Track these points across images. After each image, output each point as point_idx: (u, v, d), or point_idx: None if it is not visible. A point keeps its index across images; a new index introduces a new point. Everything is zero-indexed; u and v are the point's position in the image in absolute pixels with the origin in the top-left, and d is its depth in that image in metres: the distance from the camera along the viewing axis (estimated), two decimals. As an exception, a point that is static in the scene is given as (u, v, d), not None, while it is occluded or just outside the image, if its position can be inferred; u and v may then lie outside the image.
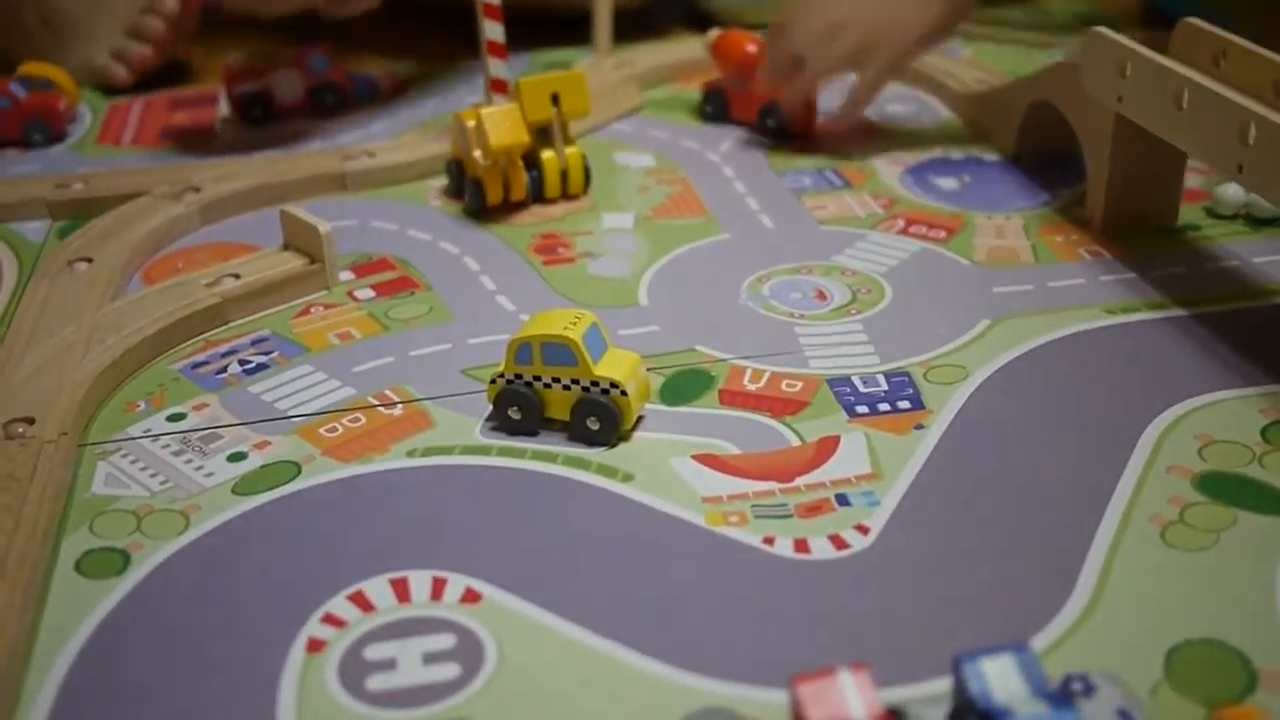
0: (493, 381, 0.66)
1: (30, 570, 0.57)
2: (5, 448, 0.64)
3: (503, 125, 0.89)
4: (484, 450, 0.65)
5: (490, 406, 0.67)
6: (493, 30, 0.96)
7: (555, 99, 0.91)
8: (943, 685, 0.49)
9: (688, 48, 1.22)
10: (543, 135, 0.92)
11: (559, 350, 0.64)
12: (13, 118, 1.08)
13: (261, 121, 1.12)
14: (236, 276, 0.81)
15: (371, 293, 0.81)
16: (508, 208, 0.92)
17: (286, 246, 0.84)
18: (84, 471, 0.65)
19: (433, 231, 0.90)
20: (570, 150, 0.93)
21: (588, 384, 0.64)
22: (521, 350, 0.65)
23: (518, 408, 0.66)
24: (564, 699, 0.50)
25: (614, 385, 0.64)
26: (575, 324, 0.65)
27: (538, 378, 0.65)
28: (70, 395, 0.69)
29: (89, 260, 0.84)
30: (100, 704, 0.51)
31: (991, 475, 0.62)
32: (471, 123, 0.90)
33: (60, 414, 0.67)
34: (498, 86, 0.97)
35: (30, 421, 0.66)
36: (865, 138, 1.04)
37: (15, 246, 0.89)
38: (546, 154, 0.92)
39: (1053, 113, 0.92)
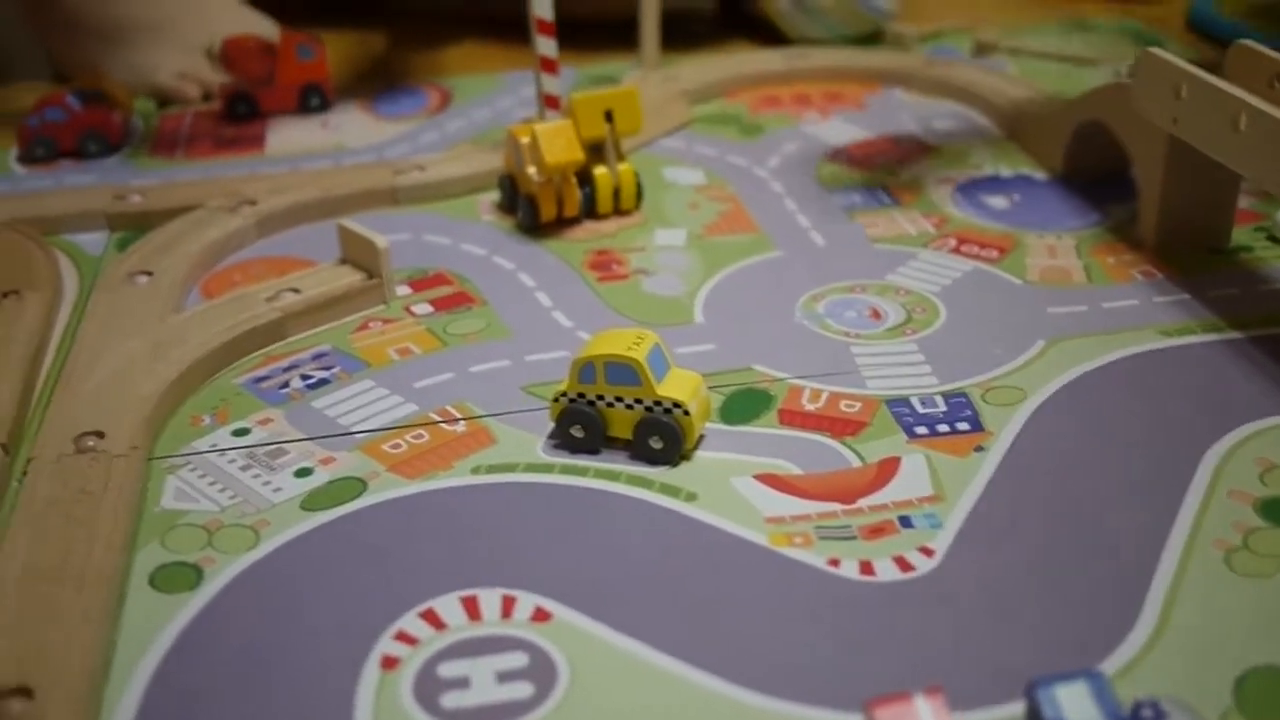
0: (556, 400, 0.67)
1: (107, 584, 0.57)
2: (77, 461, 0.65)
3: (557, 142, 0.89)
4: (547, 468, 0.66)
5: (552, 424, 0.68)
6: (545, 46, 0.97)
7: (609, 115, 0.92)
8: (1010, 710, 0.50)
9: (736, 62, 1.22)
10: (595, 151, 0.93)
11: (623, 370, 0.65)
12: (69, 129, 1.09)
13: (247, 119, 1.14)
14: (296, 291, 0.82)
15: (429, 308, 0.82)
16: (560, 223, 0.93)
17: (344, 261, 0.85)
18: (153, 485, 0.66)
19: (486, 246, 0.91)
20: (623, 167, 0.93)
21: (651, 404, 0.65)
22: (585, 369, 0.66)
23: (580, 426, 0.66)
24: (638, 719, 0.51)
25: (677, 405, 0.65)
26: (638, 344, 0.66)
27: (600, 397, 0.66)
28: (138, 409, 0.70)
29: (149, 273, 0.85)
30: (180, 716, 0.51)
31: (1053, 498, 0.62)
32: (526, 139, 0.90)
33: (129, 428, 0.68)
34: (550, 102, 0.98)
35: (100, 435, 0.67)
36: (915, 154, 1.04)
37: (76, 258, 0.90)
38: (599, 170, 0.93)
39: (1102, 132, 0.92)
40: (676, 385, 0.66)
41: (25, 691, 0.51)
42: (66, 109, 1.09)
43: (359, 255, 0.84)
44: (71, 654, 0.53)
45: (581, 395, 0.66)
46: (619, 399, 0.66)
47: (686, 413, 0.65)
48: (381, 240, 0.82)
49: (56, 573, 0.58)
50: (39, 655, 0.53)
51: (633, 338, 0.66)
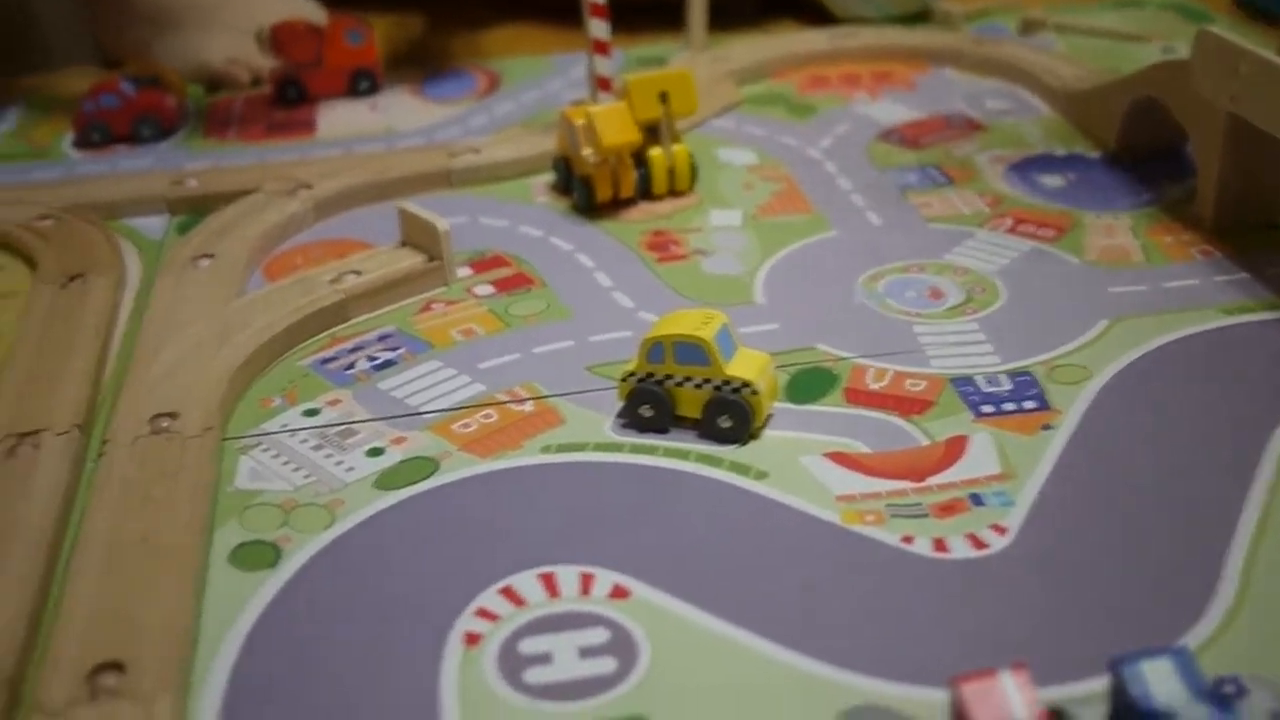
0: (624, 379, 0.68)
1: (190, 561, 0.58)
2: (153, 442, 0.66)
3: (613, 124, 0.90)
4: (616, 447, 0.66)
5: (621, 404, 0.68)
6: (598, 28, 0.97)
7: (663, 97, 0.92)
8: (1091, 685, 0.50)
9: (782, 42, 1.22)
10: (650, 133, 0.93)
11: (692, 350, 0.66)
12: (123, 114, 1.10)
13: (297, 103, 1.15)
14: (358, 273, 0.82)
15: (490, 289, 0.83)
16: (615, 205, 0.93)
17: (404, 243, 0.86)
18: (227, 465, 0.66)
19: (543, 228, 0.91)
20: (677, 148, 0.94)
21: (720, 383, 0.66)
22: (654, 349, 0.66)
23: (649, 406, 0.67)
24: (722, 694, 0.51)
25: (746, 385, 0.65)
26: (707, 324, 0.66)
27: (669, 376, 0.66)
28: (209, 391, 0.70)
29: (211, 256, 0.86)
30: (268, 691, 0.52)
31: (1124, 476, 0.63)
32: (581, 121, 0.91)
33: (202, 409, 0.69)
34: (602, 84, 0.99)
35: (174, 416, 0.68)
36: (966, 133, 1.04)
37: (137, 242, 0.91)
38: (654, 152, 0.93)
39: (1156, 109, 0.92)
40: (745, 364, 0.66)
41: (117, 666, 0.52)
42: (121, 94, 1.10)
43: (419, 238, 0.85)
44: (160, 629, 0.54)
45: (650, 375, 0.67)
46: (688, 379, 0.66)
47: (755, 392, 0.65)
48: (443, 223, 0.83)
49: (140, 550, 0.59)
50: (129, 630, 0.54)
51: (701, 318, 0.67)
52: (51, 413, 0.69)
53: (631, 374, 0.67)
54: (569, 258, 0.86)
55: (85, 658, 0.53)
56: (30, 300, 0.83)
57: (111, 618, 0.55)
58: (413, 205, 0.85)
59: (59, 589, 0.58)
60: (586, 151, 0.91)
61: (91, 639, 0.54)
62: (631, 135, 0.90)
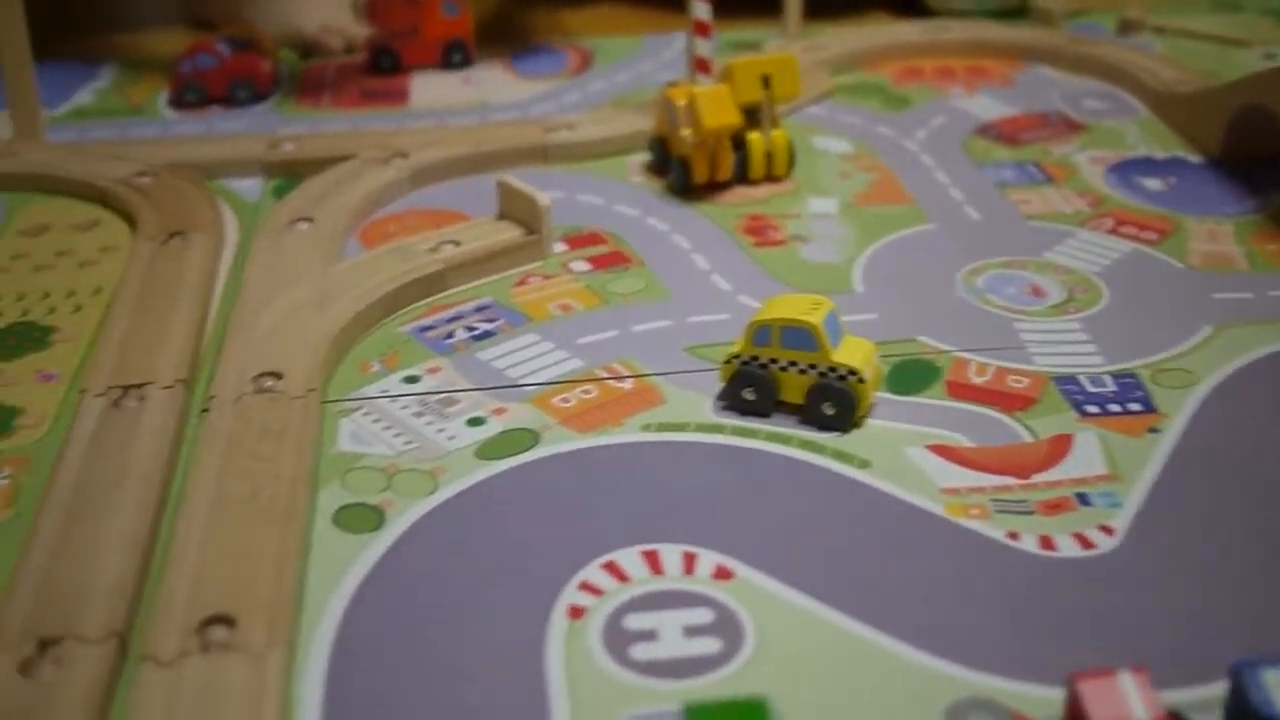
0: (728, 362, 0.67)
1: (296, 520, 0.59)
2: (257, 401, 0.66)
3: (715, 105, 0.89)
4: (717, 429, 0.66)
5: (722, 386, 0.68)
6: (701, 10, 0.97)
7: (766, 81, 0.92)
8: (1207, 691, 0.50)
9: (877, 33, 1.21)
10: (750, 117, 0.93)
11: (799, 334, 0.65)
12: (220, 76, 1.11)
13: (392, 71, 1.15)
14: (456, 243, 0.82)
15: (587, 265, 0.83)
16: (711, 187, 0.93)
17: (502, 216, 0.86)
18: (327, 427, 0.67)
19: (638, 207, 0.91)
20: (776, 133, 0.93)
21: (825, 369, 0.65)
22: (760, 332, 0.66)
23: (752, 389, 0.67)
24: (830, 680, 0.51)
25: (852, 372, 0.65)
26: (815, 310, 0.66)
27: (774, 360, 0.66)
28: (311, 353, 0.71)
29: (309, 220, 0.86)
30: (373, 652, 0.52)
31: (1235, 481, 0.62)
32: (682, 101, 0.90)
33: (305, 370, 0.69)
34: (701, 66, 0.98)
35: (277, 376, 0.68)
36: (1064, 132, 1.03)
37: (233, 203, 0.92)
38: (753, 135, 0.93)
39: (1263, 116, 0.91)
40: (851, 352, 0.66)
41: (226, 619, 0.52)
42: (218, 56, 1.11)
43: (518, 211, 0.85)
44: (268, 585, 0.54)
45: (755, 358, 0.66)
46: (793, 363, 0.66)
47: (861, 380, 0.65)
48: (543, 197, 0.83)
49: (247, 507, 0.59)
50: (237, 585, 0.54)
51: (810, 303, 0.66)
52: (155, 367, 0.70)
53: (735, 356, 0.67)
54: (665, 238, 0.86)
55: (194, 611, 0.53)
56: (131, 255, 0.83)
57: (219, 572, 0.55)
58: (512, 178, 0.85)
59: (165, 541, 0.58)
60: (685, 132, 0.90)
61: (200, 592, 0.54)
62: (732, 118, 0.90)
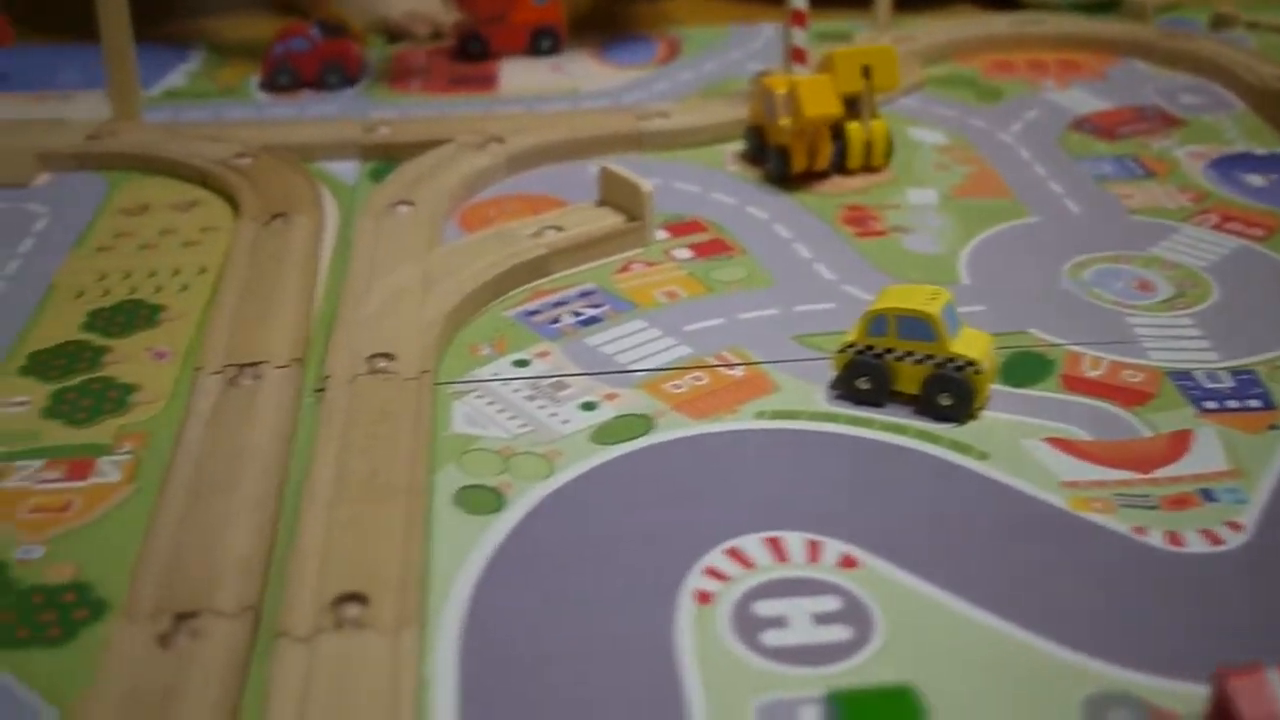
0: (842, 350, 0.67)
1: (418, 500, 0.59)
2: (372, 382, 0.67)
3: (816, 95, 0.89)
4: (831, 418, 0.66)
5: (834, 375, 0.68)
6: (797, 0, 0.96)
7: (865, 71, 0.91)
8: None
9: (966, 25, 1.21)
10: (848, 106, 0.92)
11: (917, 324, 0.65)
12: (311, 59, 1.11)
13: (480, 58, 1.15)
14: (558, 229, 0.82)
15: (689, 253, 0.83)
16: (808, 177, 0.92)
17: (602, 202, 0.86)
18: (440, 409, 0.67)
19: (736, 196, 0.91)
20: (875, 123, 0.93)
21: (943, 360, 0.65)
22: (877, 322, 0.66)
23: (867, 378, 0.66)
24: (965, 670, 0.50)
25: (970, 363, 0.64)
26: (934, 300, 0.65)
27: (890, 350, 0.66)
28: (421, 335, 0.71)
29: (410, 203, 0.86)
30: (503, 634, 0.52)
31: (1362, 481, 0.61)
32: (782, 90, 0.90)
33: (416, 352, 0.69)
34: (797, 55, 0.98)
35: (390, 357, 0.69)
36: (1161, 126, 1.02)
37: (330, 185, 0.92)
38: (852, 125, 0.92)
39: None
40: (969, 343, 0.65)
41: (358, 597, 0.52)
42: (310, 39, 1.11)
43: (619, 197, 0.84)
44: (395, 563, 0.55)
45: (870, 348, 0.66)
46: (909, 353, 0.65)
47: (979, 371, 0.64)
48: (646, 184, 0.83)
49: (368, 486, 0.59)
50: (365, 564, 0.54)
51: (928, 293, 0.66)
52: (268, 346, 0.70)
53: (849, 345, 0.67)
54: (765, 227, 0.86)
55: (326, 588, 0.53)
56: (235, 236, 0.84)
57: (347, 551, 0.55)
58: (614, 165, 0.85)
59: (289, 519, 0.58)
60: (785, 121, 0.90)
61: (330, 570, 0.54)
62: (833, 107, 0.89)
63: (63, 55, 1.20)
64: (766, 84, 0.92)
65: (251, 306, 0.75)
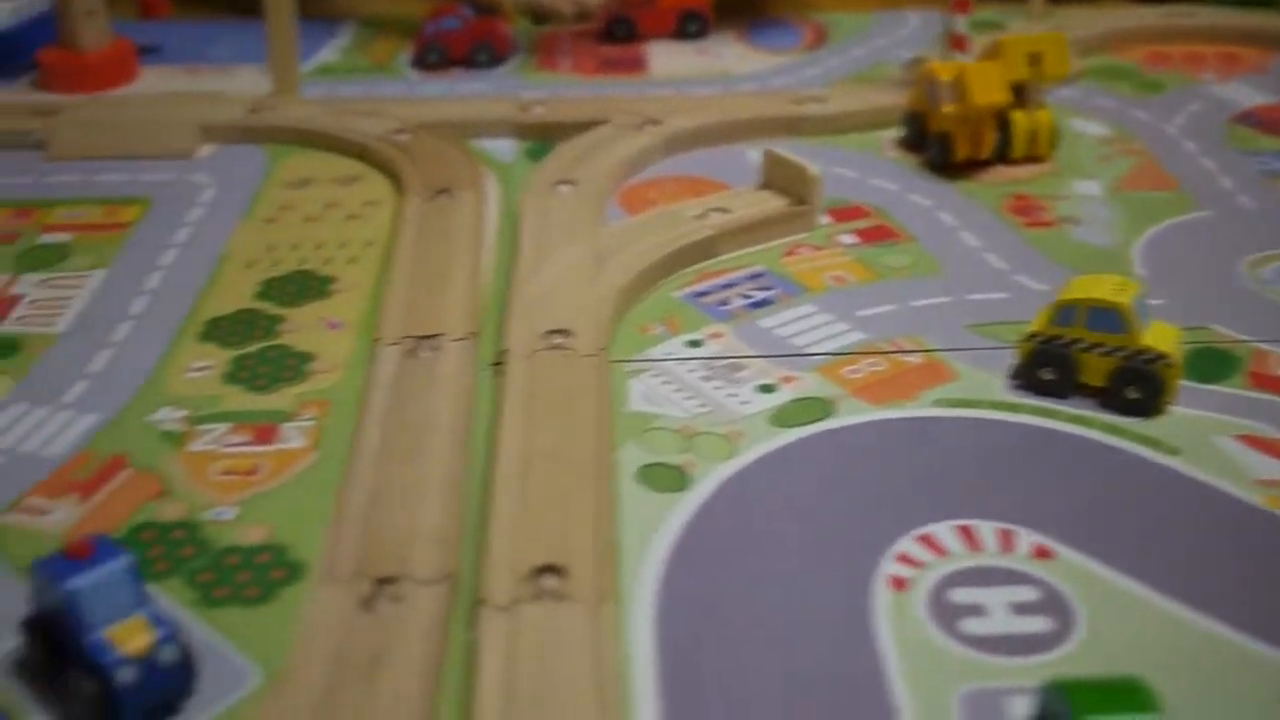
0: (1026, 340, 0.66)
1: (605, 476, 0.59)
2: (550, 357, 0.67)
3: (984, 82, 0.88)
4: (1013, 407, 0.65)
5: (1016, 365, 0.67)
6: (962, -15, 0.95)
7: (1034, 59, 0.90)
8: None
9: (1118, 16, 1.19)
10: (1014, 94, 0.91)
11: (1107, 316, 0.64)
12: (462, 37, 1.12)
13: (627, 40, 1.15)
14: (723, 211, 0.82)
15: (854, 238, 0.82)
16: (969, 165, 0.91)
17: (766, 185, 0.85)
18: (617, 387, 0.67)
19: (897, 183, 0.90)
20: (1041, 112, 0.91)
21: (1132, 353, 0.64)
22: (1065, 312, 0.65)
23: (1052, 369, 0.65)
24: (1174, 665, 0.49)
25: (1161, 356, 0.63)
26: (1124, 291, 0.64)
27: (1077, 341, 0.65)
28: (594, 312, 0.71)
29: (572, 183, 0.86)
30: (697, 611, 0.52)
31: None
32: (947, 77, 0.89)
33: (592, 330, 0.69)
34: (958, 42, 0.97)
35: (566, 334, 0.69)
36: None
37: (488, 163, 0.92)
38: (1017, 114, 0.91)
39: None
40: (1159, 336, 0.64)
41: (555, 569, 0.53)
42: (461, 18, 1.12)
43: (784, 181, 0.84)
44: (588, 537, 0.55)
45: (1056, 338, 0.65)
46: (1097, 345, 0.64)
47: (1170, 365, 0.63)
48: (813, 168, 0.82)
49: (554, 461, 0.59)
50: (558, 537, 0.55)
51: (1117, 283, 0.65)
52: (443, 319, 0.71)
53: (1033, 335, 0.66)
54: (929, 214, 0.85)
55: (522, 559, 0.53)
56: (400, 210, 0.84)
57: (540, 522, 0.55)
58: (781, 149, 0.85)
59: (476, 489, 0.58)
60: (949, 108, 0.89)
61: (524, 541, 0.54)
62: (1001, 95, 0.88)
63: (215, 30, 1.22)
64: (929, 70, 0.91)
65: (423, 280, 0.75)
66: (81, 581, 0.47)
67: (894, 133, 0.97)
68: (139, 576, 0.48)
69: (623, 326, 0.73)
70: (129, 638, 0.47)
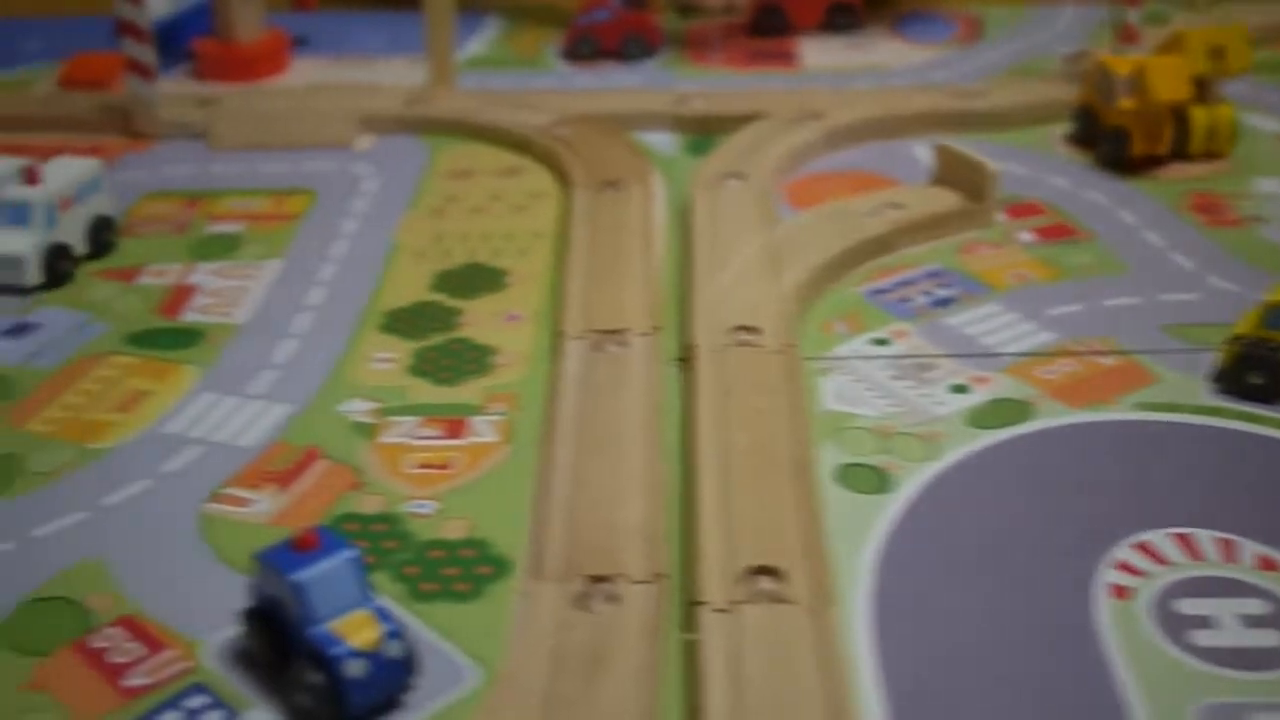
0: (1231, 342, 0.64)
1: (808, 476, 0.58)
2: (740, 353, 0.66)
3: (1167, 76, 0.85)
4: (1218, 412, 0.63)
5: (1220, 368, 0.65)
6: (1135, -23, 0.93)
7: (1216, 53, 0.87)
8: None
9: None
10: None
11: (1323, 319, 0.62)
12: (614, 30, 1.11)
13: (777, 33, 1.13)
14: (897, 207, 0.81)
15: (1032, 236, 0.80)
16: (1144, 161, 0.89)
17: (938, 181, 0.84)
18: (808, 384, 0.66)
19: (1069, 179, 0.88)
20: (1222, 108, 0.89)
21: (1349, 357, 0.61)
22: (1275, 313, 0.63)
23: (1260, 373, 0.63)
24: None
25: (1379, 362, 0.61)
26: (1341, 293, 0.62)
27: (1287, 344, 0.63)
28: (777, 308, 0.70)
29: (740, 177, 0.85)
30: (913, 616, 0.51)
31: None
32: (1124, 71, 0.87)
33: (775, 326, 0.68)
34: (1128, 35, 0.94)
35: (753, 330, 0.68)
36: None
37: (653, 158, 0.92)
38: (1196, 109, 0.88)
39: None
40: (1376, 341, 0.62)
41: (772, 571, 0.52)
42: (612, 10, 1.12)
43: (957, 177, 0.82)
44: (798, 538, 0.54)
45: (1265, 340, 0.63)
46: (1310, 349, 0.62)
47: (1391, 371, 0.61)
48: (992, 164, 0.80)
49: (754, 459, 0.58)
50: (768, 537, 0.54)
51: (1332, 286, 0.63)
52: (626, 313, 0.70)
53: (1239, 337, 0.64)
54: (1108, 212, 0.83)
55: (734, 560, 0.52)
56: (568, 203, 0.84)
57: (746, 523, 0.55)
58: (955, 144, 0.83)
59: (676, 486, 0.58)
60: (1126, 103, 0.87)
61: (735, 541, 0.53)
62: (1183, 90, 0.86)
63: (363, 21, 1.22)
64: (1103, 64, 0.89)
65: (600, 274, 0.75)
66: (310, 573, 0.47)
67: (1061, 128, 0.95)
68: (364, 570, 0.48)
69: (805, 323, 0.71)
70: (357, 631, 0.46)
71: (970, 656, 0.49)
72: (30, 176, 0.77)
